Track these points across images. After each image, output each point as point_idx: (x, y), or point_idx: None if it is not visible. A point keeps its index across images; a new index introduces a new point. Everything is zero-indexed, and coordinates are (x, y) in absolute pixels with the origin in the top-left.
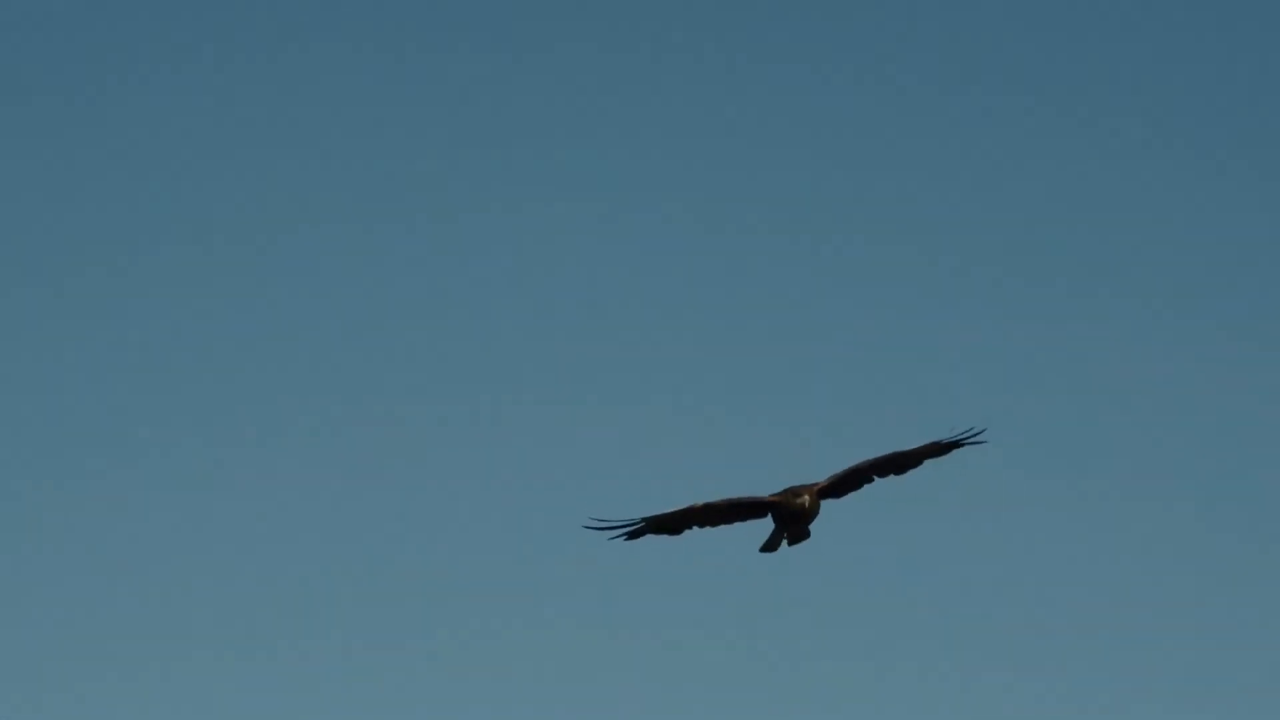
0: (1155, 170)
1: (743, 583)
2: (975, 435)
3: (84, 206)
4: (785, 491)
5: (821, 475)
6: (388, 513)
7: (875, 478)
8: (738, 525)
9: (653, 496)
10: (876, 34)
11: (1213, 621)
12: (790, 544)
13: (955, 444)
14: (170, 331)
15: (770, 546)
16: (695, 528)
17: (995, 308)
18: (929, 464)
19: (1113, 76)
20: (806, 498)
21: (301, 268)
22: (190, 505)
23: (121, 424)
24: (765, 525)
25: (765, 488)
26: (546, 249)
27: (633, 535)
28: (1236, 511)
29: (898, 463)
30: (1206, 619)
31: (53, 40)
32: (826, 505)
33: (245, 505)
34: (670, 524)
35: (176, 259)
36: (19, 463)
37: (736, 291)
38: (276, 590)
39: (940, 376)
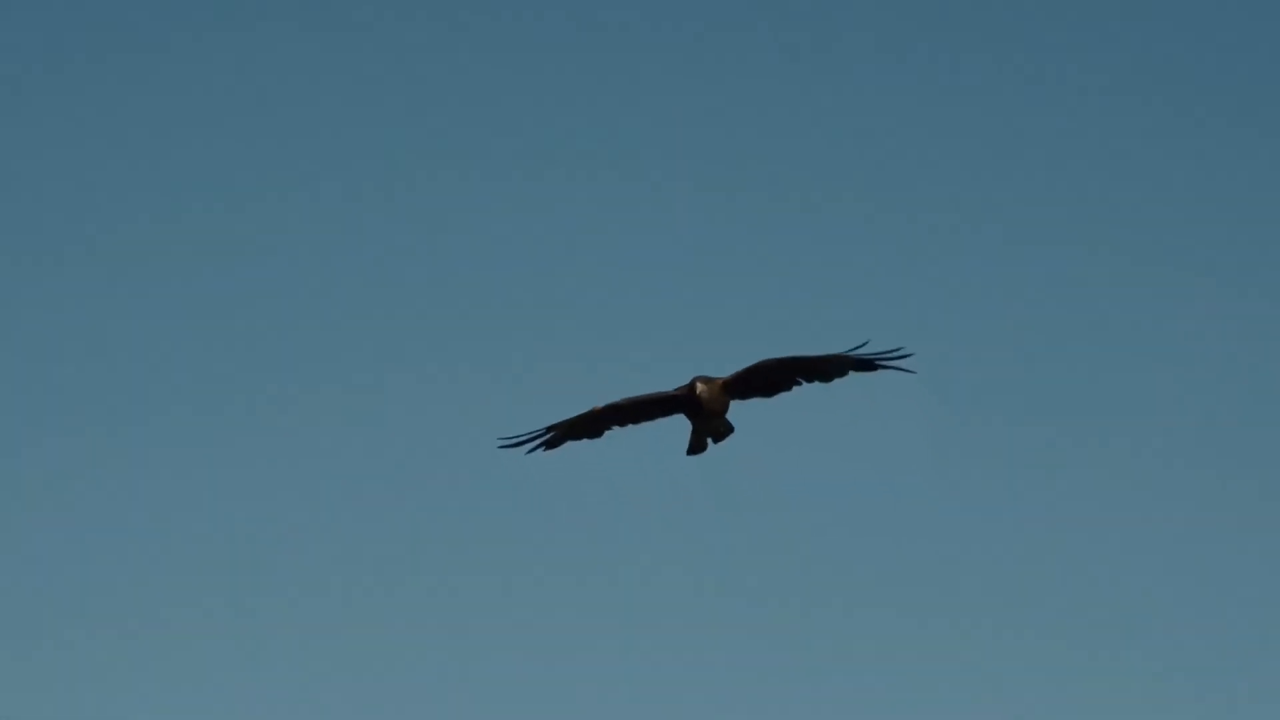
0: (1094, 104)
1: (671, 492)
2: (899, 358)
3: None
4: (689, 383)
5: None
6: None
7: (801, 380)
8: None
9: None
10: None
11: (1151, 568)
12: (715, 441)
13: (874, 362)
14: (153, 305)
15: (696, 448)
16: (615, 427)
17: (934, 240)
18: (856, 379)
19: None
20: (702, 386)
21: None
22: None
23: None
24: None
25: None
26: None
27: (551, 445)
28: (1179, 447)
29: (811, 366)
30: (1146, 566)
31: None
32: (752, 414)
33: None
34: (582, 428)
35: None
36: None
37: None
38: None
39: (876, 306)
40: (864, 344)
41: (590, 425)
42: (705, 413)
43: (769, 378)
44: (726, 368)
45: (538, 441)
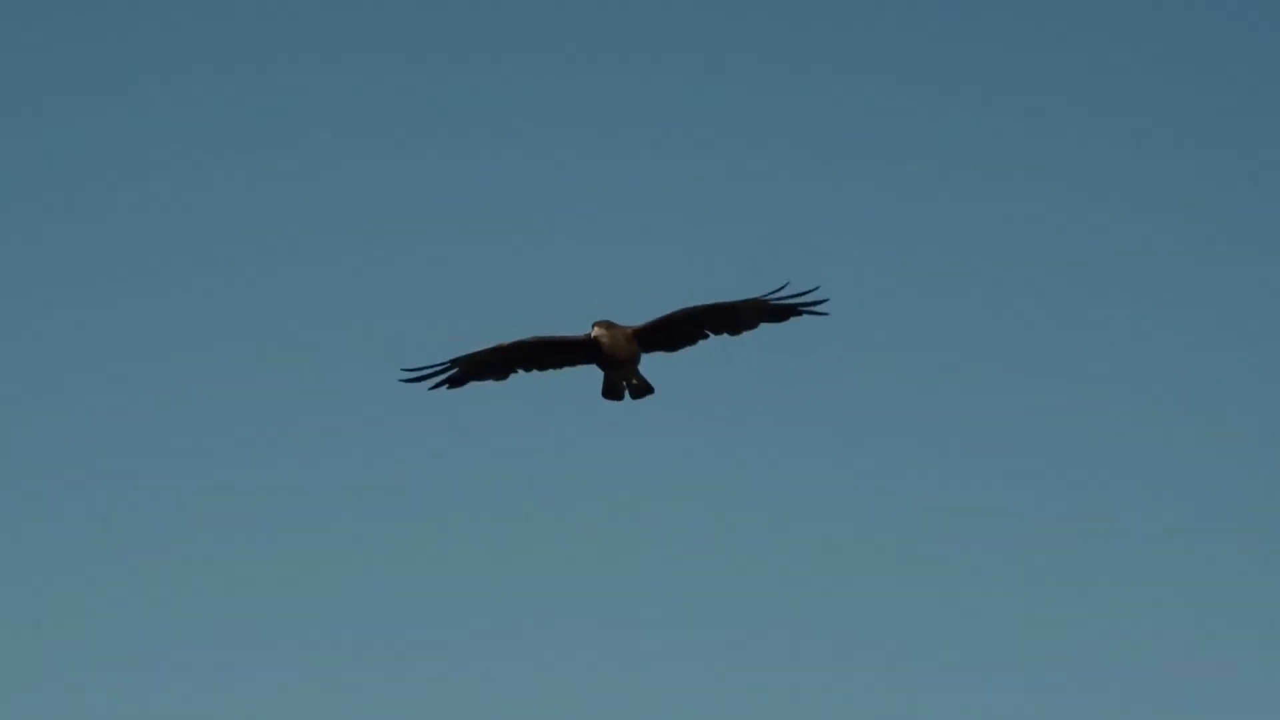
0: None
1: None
2: (813, 304)
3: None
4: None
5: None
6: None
7: (709, 334)
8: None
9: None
10: None
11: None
12: (634, 397)
13: (789, 308)
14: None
15: (610, 394)
16: (520, 371)
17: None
18: (768, 329)
19: None
20: (600, 330)
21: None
22: None
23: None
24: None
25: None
26: None
27: (455, 383)
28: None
29: (722, 315)
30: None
31: None
32: (669, 363)
33: None
34: (486, 366)
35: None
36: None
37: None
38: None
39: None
40: (783, 287)
41: (496, 363)
42: (611, 360)
43: (680, 328)
44: (640, 315)
45: (441, 376)
